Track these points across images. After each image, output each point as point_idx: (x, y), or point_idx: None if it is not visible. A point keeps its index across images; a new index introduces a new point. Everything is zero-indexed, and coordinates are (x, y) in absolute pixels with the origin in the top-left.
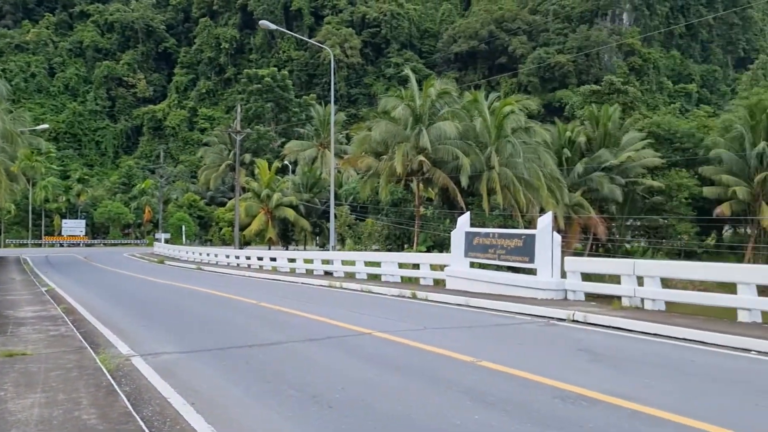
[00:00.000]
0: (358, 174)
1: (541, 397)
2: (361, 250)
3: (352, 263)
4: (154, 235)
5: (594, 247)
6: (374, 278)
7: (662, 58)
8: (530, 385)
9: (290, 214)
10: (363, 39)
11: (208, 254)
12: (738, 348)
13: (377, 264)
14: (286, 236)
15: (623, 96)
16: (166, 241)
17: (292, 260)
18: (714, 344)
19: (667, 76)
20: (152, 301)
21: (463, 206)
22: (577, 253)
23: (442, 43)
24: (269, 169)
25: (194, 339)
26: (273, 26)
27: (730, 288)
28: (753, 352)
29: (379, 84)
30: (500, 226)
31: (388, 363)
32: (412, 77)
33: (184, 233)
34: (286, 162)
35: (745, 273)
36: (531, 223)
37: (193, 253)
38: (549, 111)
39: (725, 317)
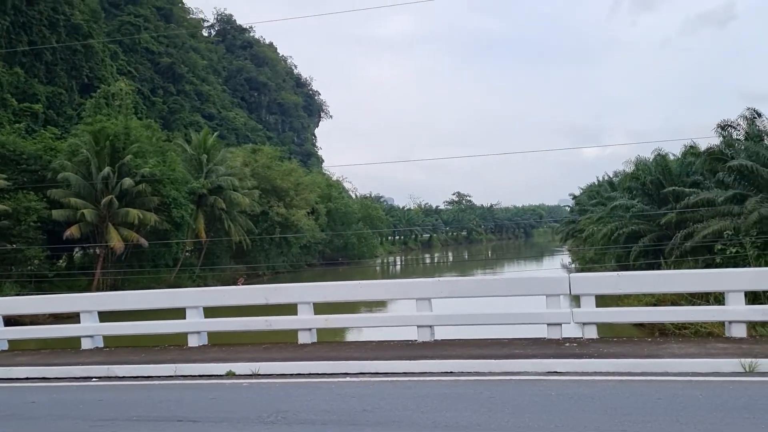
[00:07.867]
0: None
1: None
2: None
3: None
4: None
5: None
6: None
7: (5, 74)
8: None
9: None
10: None
11: None
12: (80, 378)
13: None
14: None
15: None
16: None
17: None
18: (56, 378)
19: (11, 93)
20: None
21: None
22: None
23: None
24: None
25: None
26: None
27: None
28: (94, 379)
29: None
30: None
31: None
32: None
33: None
34: None
35: (85, 301)
36: None
37: None
38: None
39: (73, 347)
